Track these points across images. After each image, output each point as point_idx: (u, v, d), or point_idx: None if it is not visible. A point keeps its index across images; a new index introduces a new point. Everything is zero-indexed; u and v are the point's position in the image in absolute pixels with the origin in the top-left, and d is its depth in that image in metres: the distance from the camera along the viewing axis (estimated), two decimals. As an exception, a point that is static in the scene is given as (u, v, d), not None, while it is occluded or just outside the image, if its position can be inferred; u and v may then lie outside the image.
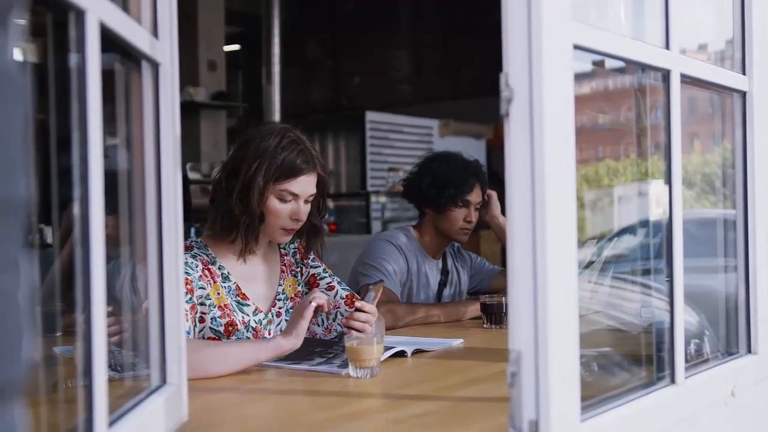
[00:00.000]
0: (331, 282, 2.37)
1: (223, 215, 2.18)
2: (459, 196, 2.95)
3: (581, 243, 1.31)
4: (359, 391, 1.77)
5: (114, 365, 1.36)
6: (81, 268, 0.99)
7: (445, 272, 3.12)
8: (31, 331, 0.59)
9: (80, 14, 0.97)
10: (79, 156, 0.99)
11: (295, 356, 2.01)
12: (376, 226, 7.24)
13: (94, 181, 1.00)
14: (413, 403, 1.64)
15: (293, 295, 2.34)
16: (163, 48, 1.34)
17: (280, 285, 2.32)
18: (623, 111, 2.03)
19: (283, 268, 2.35)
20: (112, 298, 1.16)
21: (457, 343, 2.32)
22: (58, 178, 1.06)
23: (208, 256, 2.19)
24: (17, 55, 0.62)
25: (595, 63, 1.46)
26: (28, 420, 0.61)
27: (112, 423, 1.08)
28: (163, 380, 1.35)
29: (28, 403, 0.62)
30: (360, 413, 1.60)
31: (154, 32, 1.33)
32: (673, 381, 1.50)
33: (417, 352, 2.16)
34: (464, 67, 9.01)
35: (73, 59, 0.99)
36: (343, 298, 2.33)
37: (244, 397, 1.76)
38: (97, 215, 1.00)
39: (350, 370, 1.86)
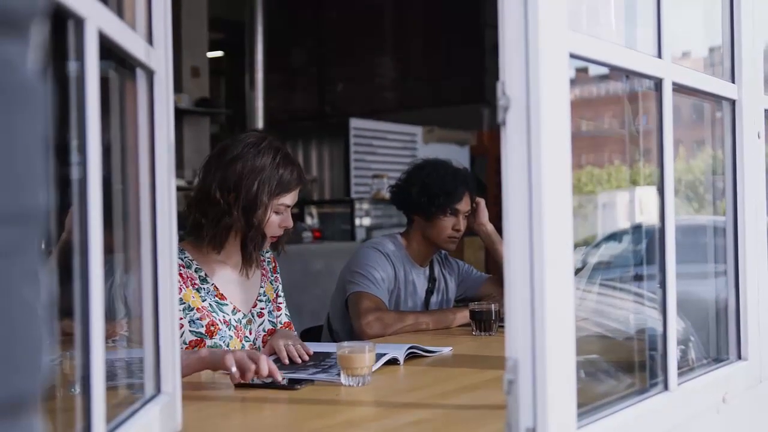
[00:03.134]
0: (281, 303, 2.47)
1: (223, 230, 2.22)
2: (448, 204, 2.94)
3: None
4: (351, 399, 1.76)
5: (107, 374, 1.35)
6: (79, 277, 0.98)
7: (432, 280, 3.12)
8: (49, 342, 0.59)
9: (79, 22, 0.97)
10: (79, 163, 0.98)
11: (289, 368, 2.01)
12: (360, 233, 7.23)
13: (93, 189, 0.99)
14: (407, 411, 1.64)
15: (273, 299, 2.42)
16: (158, 55, 1.34)
17: (262, 287, 2.39)
18: (606, 118, 2.05)
19: (263, 272, 2.42)
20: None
21: (447, 351, 2.32)
22: (54, 187, 1.05)
23: (182, 260, 2.22)
24: (37, 65, 0.61)
25: (578, 69, 1.47)
26: (46, 430, 0.61)
27: (108, 433, 1.07)
28: (158, 389, 1.34)
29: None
30: (354, 421, 1.60)
31: (149, 40, 1.32)
32: (666, 387, 1.51)
33: (411, 356, 2.16)
34: (448, 75, 9.04)
35: (71, 67, 0.99)
36: (281, 324, 2.41)
37: (237, 406, 1.75)
38: (95, 222, 0.99)
39: (342, 378, 1.85)
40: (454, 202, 2.95)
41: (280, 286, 2.50)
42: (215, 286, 2.25)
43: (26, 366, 0.57)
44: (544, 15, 1.15)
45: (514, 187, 1.17)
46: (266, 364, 1.81)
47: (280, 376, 1.83)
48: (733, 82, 1.81)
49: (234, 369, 1.79)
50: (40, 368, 0.58)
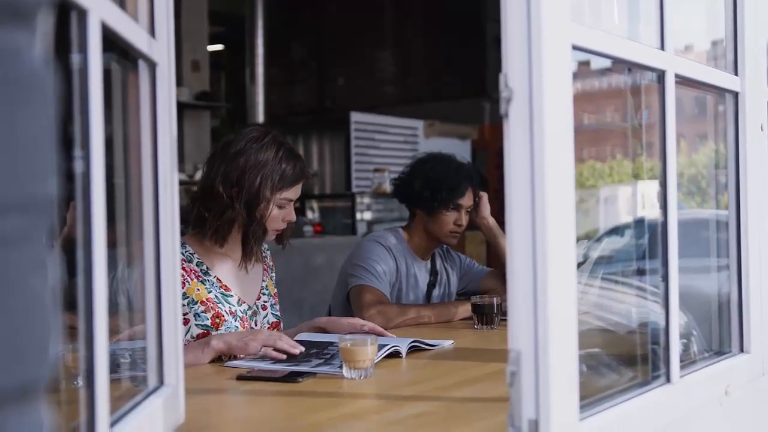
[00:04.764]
0: (275, 303, 2.47)
1: (225, 224, 2.23)
2: (451, 199, 2.94)
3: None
4: (354, 392, 1.77)
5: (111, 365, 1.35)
6: (83, 270, 0.98)
7: (434, 273, 3.12)
8: (57, 330, 0.60)
9: (82, 13, 0.97)
10: (82, 157, 0.98)
11: (291, 358, 2.01)
12: (361, 227, 7.23)
13: (96, 182, 0.99)
14: (409, 404, 1.64)
15: (273, 294, 2.45)
16: (160, 48, 1.33)
17: (264, 281, 2.42)
18: (609, 111, 2.05)
19: (265, 267, 2.45)
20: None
21: (448, 344, 2.32)
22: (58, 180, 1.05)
23: (183, 254, 2.22)
24: (45, 54, 0.61)
25: (580, 63, 1.47)
26: (53, 419, 0.61)
27: (112, 424, 1.07)
28: (161, 381, 1.35)
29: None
30: (356, 414, 1.60)
31: (152, 31, 1.32)
32: (668, 380, 1.51)
33: (413, 349, 2.17)
34: (450, 69, 9.03)
35: (74, 58, 0.98)
36: (269, 324, 2.41)
37: (240, 398, 1.76)
38: (99, 216, 0.99)
39: (344, 371, 1.85)
40: (457, 197, 2.95)
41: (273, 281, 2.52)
42: (218, 278, 2.26)
43: (34, 355, 0.57)
44: (547, 7, 1.15)
45: (516, 179, 1.16)
46: (288, 342, 2.04)
47: (298, 349, 2.03)
48: (736, 74, 1.81)
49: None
50: (48, 357, 0.58)
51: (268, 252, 2.50)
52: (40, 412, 0.58)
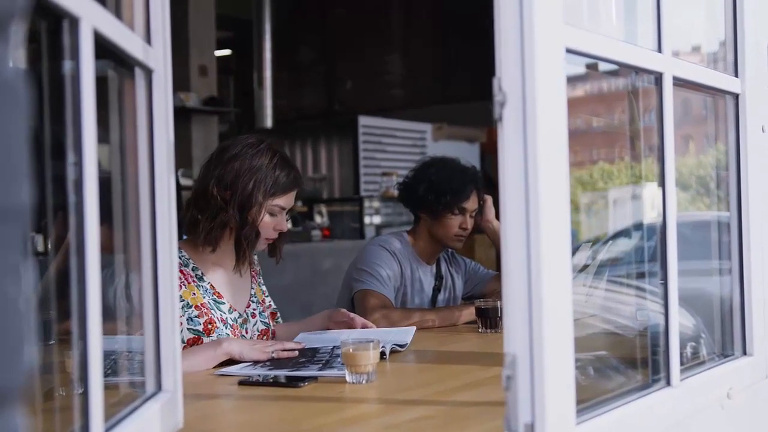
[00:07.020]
0: (263, 310, 2.47)
1: (218, 226, 2.25)
2: (456, 203, 2.94)
3: (576, 246, 1.31)
4: (355, 396, 1.77)
5: (108, 371, 1.35)
6: (76, 277, 0.99)
7: (439, 277, 3.11)
8: (32, 336, 0.60)
9: (74, 22, 0.97)
10: (74, 163, 0.98)
11: (286, 366, 2.01)
12: (369, 231, 7.23)
13: (89, 189, 0.99)
14: (409, 408, 1.64)
15: (261, 301, 2.46)
16: (156, 54, 1.34)
17: (252, 288, 2.44)
18: (617, 114, 2.04)
19: (253, 274, 2.47)
20: (106, 306, 1.16)
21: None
22: (51, 186, 1.05)
23: (180, 259, 2.24)
24: (18, 63, 0.62)
25: (588, 66, 1.47)
26: (27, 426, 0.61)
27: (107, 430, 1.08)
28: (159, 387, 1.35)
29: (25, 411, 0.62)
30: (357, 418, 1.60)
31: (147, 39, 1.33)
32: (668, 383, 1.50)
33: (394, 351, 2.21)
34: (457, 71, 9.02)
35: (66, 66, 0.99)
36: (258, 332, 2.42)
37: (239, 403, 1.76)
38: (92, 223, 1.00)
39: (346, 375, 1.85)
40: (461, 201, 2.95)
41: (264, 287, 2.53)
42: (211, 285, 2.28)
43: (7, 361, 0.57)
44: (539, 10, 1.15)
45: (511, 183, 1.16)
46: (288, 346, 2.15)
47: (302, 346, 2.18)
48: (737, 75, 1.80)
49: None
50: (23, 363, 0.59)
51: (255, 256, 2.52)
52: (15, 418, 0.58)
